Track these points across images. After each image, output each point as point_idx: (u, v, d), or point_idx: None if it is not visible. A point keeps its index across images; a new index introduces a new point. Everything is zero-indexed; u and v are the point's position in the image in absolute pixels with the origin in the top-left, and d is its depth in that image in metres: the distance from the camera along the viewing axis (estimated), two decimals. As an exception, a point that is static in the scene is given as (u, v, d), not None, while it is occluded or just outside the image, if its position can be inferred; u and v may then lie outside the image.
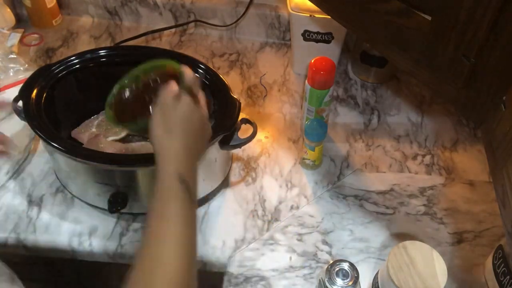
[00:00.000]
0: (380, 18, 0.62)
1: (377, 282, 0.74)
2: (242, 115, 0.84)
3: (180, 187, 0.54)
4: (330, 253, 0.84)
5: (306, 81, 0.92)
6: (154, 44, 1.22)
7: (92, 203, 0.86)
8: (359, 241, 0.86)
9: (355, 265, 0.70)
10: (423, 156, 1.00)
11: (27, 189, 0.91)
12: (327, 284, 0.69)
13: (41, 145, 0.97)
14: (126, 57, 0.92)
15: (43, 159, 0.95)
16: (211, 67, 0.90)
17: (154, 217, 0.53)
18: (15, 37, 1.18)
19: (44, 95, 0.82)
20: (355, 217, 0.89)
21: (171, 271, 0.49)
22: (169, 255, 0.50)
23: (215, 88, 0.87)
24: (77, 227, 0.85)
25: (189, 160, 0.59)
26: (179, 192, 0.54)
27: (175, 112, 0.60)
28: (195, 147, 0.61)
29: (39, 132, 0.77)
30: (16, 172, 0.93)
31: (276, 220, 0.88)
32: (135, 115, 0.67)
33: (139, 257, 0.51)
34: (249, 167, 0.96)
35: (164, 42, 1.23)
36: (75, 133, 0.90)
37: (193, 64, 0.90)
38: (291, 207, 0.90)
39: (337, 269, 0.70)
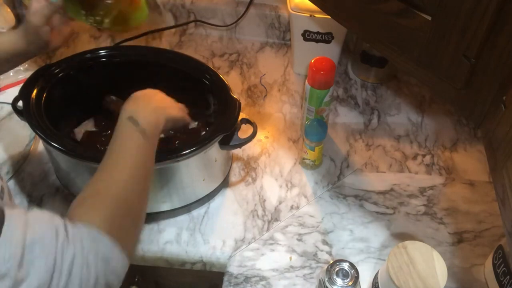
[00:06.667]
0: (380, 18, 0.62)
1: (377, 282, 0.74)
2: (242, 115, 0.84)
3: (128, 122, 0.64)
4: (330, 253, 0.84)
5: (306, 81, 0.92)
6: (154, 44, 1.22)
7: (92, 203, 0.86)
8: (359, 241, 0.86)
9: (355, 265, 0.70)
10: (423, 156, 1.00)
11: (27, 189, 0.91)
12: (327, 284, 0.69)
13: (41, 145, 0.97)
14: (126, 57, 0.92)
15: (43, 159, 0.95)
16: (211, 67, 0.90)
17: (109, 149, 0.63)
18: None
19: (44, 95, 0.82)
20: (355, 217, 0.89)
21: (119, 187, 0.59)
22: (120, 174, 0.60)
23: (215, 88, 0.87)
24: (77, 227, 0.85)
25: (143, 108, 0.68)
26: (128, 127, 0.64)
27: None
28: (155, 103, 0.71)
29: (39, 132, 0.77)
30: (16, 172, 0.93)
31: (276, 220, 0.88)
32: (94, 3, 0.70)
33: (95, 175, 0.60)
34: (249, 167, 0.96)
35: (164, 42, 1.23)
36: (75, 132, 0.90)
37: (193, 64, 0.90)
38: (291, 207, 0.90)
39: (337, 269, 0.70)
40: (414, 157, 1.00)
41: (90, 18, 0.71)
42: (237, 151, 0.98)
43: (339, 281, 0.69)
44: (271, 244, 0.85)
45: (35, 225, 0.48)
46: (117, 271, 0.54)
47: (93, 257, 0.51)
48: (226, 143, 0.82)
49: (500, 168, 0.51)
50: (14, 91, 0.84)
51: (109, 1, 0.71)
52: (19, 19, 1.23)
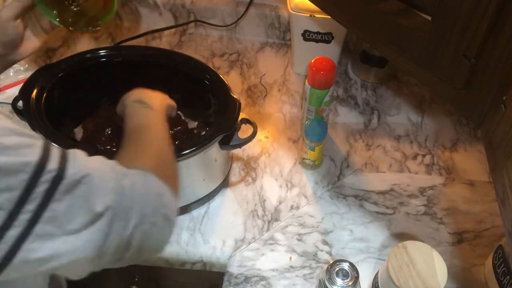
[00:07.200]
0: (380, 18, 0.62)
1: (377, 282, 0.74)
2: (242, 115, 0.84)
3: (135, 104, 0.70)
4: (330, 253, 0.84)
5: (306, 81, 0.92)
6: (154, 44, 1.22)
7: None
8: (359, 241, 0.86)
9: (355, 265, 0.70)
10: (423, 156, 1.00)
11: (27, 189, 0.90)
12: (327, 284, 0.69)
13: (41, 145, 0.97)
14: (126, 57, 0.92)
15: (43, 159, 0.95)
16: (211, 67, 0.90)
17: (127, 128, 0.67)
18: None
19: (44, 95, 0.82)
20: (355, 217, 0.89)
21: (153, 149, 0.63)
22: (147, 137, 0.65)
23: (215, 88, 0.87)
24: (77, 227, 0.85)
25: (145, 93, 0.73)
26: (137, 106, 0.70)
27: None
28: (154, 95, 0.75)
29: (39, 132, 0.77)
30: (16, 172, 0.93)
31: (276, 220, 0.88)
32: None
33: (123, 148, 0.63)
34: (249, 167, 0.96)
35: (164, 42, 1.23)
36: (75, 132, 0.90)
37: (193, 64, 0.90)
38: (291, 207, 0.90)
39: (337, 269, 0.70)
40: (414, 157, 1.00)
41: (62, 19, 0.70)
42: (237, 151, 0.98)
43: (339, 281, 0.69)
44: (271, 244, 0.85)
45: (94, 160, 0.51)
46: (171, 205, 0.56)
47: (147, 190, 0.53)
48: (226, 143, 0.82)
49: (500, 168, 0.51)
50: (14, 91, 0.84)
51: (84, 4, 0.70)
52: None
